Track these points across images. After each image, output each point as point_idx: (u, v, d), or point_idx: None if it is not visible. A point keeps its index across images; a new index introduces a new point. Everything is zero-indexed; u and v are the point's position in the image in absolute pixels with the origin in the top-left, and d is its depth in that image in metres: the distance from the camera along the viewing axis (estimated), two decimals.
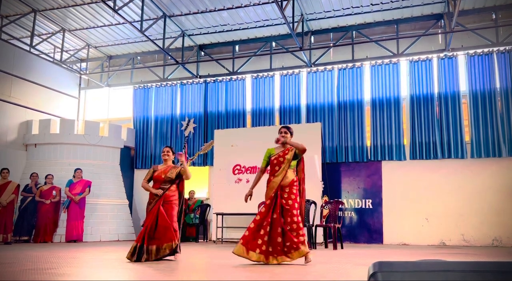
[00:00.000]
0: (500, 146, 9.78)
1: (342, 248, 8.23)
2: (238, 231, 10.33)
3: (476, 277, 1.52)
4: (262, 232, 4.76)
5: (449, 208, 9.90)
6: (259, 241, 4.72)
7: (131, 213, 11.84)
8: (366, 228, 10.43)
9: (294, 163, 5.02)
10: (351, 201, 10.62)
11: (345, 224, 10.47)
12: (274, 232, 4.73)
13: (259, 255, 4.69)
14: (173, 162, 5.70)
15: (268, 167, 5.16)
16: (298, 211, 4.85)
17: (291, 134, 5.11)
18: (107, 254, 6.52)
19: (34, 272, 4.00)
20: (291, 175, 4.95)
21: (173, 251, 5.20)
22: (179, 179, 5.54)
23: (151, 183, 5.54)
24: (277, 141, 5.09)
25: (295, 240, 4.66)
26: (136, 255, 5.02)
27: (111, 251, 7.24)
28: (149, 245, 5.10)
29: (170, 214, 5.28)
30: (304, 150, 4.95)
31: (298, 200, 4.89)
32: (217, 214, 10.21)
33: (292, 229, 4.73)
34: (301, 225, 4.78)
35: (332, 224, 8.23)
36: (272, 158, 5.06)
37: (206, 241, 10.97)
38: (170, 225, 5.20)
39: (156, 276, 3.95)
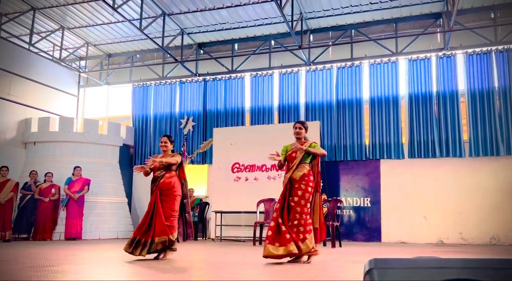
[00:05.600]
0: (498, 144, 9.80)
1: (340, 246, 8.26)
2: (237, 229, 10.36)
3: (471, 274, 1.54)
4: (274, 226, 4.76)
5: (447, 206, 9.93)
6: (269, 233, 4.73)
7: (130, 211, 11.86)
8: (365, 226, 10.46)
9: (308, 158, 5.01)
10: (350, 199, 10.65)
11: (343, 222, 10.49)
12: (283, 226, 4.72)
13: (270, 245, 4.64)
14: (172, 151, 5.61)
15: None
16: (306, 208, 4.77)
17: (306, 129, 5.14)
18: (106, 252, 6.54)
19: (33, 269, 4.02)
20: (303, 169, 4.91)
21: (167, 247, 5.05)
22: (177, 166, 5.43)
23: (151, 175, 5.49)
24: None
25: (294, 237, 4.66)
26: (133, 247, 4.97)
27: (110, 249, 7.26)
28: (144, 238, 5.01)
29: (168, 208, 5.15)
30: (324, 156, 5.11)
31: (306, 196, 4.81)
32: (216, 212, 10.23)
33: (292, 226, 4.72)
34: (305, 222, 4.71)
35: (330, 222, 8.26)
36: (287, 154, 5.08)
37: (205, 239, 11.00)
38: (164, 219, 5.05)
39: (154, 274, 3.96)
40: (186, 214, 5.51)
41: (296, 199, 4.81)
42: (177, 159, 5.39)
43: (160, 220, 5.04)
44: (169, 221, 5.12)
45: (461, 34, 10.40)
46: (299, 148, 4.92)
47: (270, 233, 4.73)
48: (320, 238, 4.95)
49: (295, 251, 4.60)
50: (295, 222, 4.73)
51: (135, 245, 5.00)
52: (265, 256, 4.68)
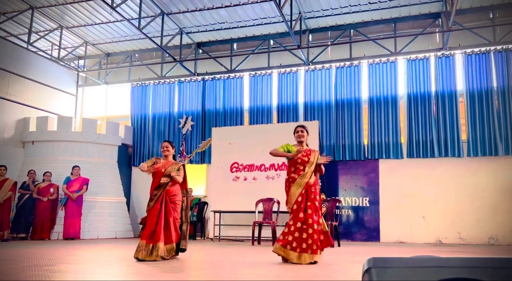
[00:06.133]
0: (497, 144, 9.82)
1: (339, 246, 8.26)
2: (235, 229, 10.36)
3: (469, 273, 1.54)
4: (293, 229, 4.78)
5: (446, 206, 9.94)
6: (289, 238, 4.73)
7: (128, 210, 11.85)
8: (363, 226, 10.46)
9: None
10: (348, 199, 10.65)
11: (342, 222, 10.50)
12: (305, 229, 4.73)
13: (290, 251, 4.69)
14: (174, 157, 5.64)
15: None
16: (321, 211, 4.98)
17: (307, 133, 5.21)
18: (104, 252, 6.53)
19: (32, 269, 4.01)
20: (315, 174, 5.05)
21: (177, 251, 5.27)
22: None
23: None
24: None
25: (318, 241, 4.70)
26: (144, 254, 4.95)
27: (109, 248, 7.25)
28: (155, 243, 5.03)
29: (173, 214, 5.27)
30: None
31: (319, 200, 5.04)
32: (215, 212, 10.22)
33: (320, 231, 4.80)
34: (321, 228, 4.85)
35: (329, 222, 8.27)
36: (298, 156, 5.05)
37: (204, 239, 10.99)
38: (172, 225, 5.19)
39: (154, 274, 3.96)
40: (187, 224, 5.58)
41: (317, 203, 4.92)
42: (182, 178, 5.43)
43: (175, 226, 5.25)
44: (176, 225, 5.31)
45: (460, 34, 10.41)
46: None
47: (291, 237, 4.72)
48: (331, 242, 5.01)
49: (316, 259, 4.68)
50: (321, 228, 4.86)
51: (149, 251, 4.99)
52: (278, 254, 4.80)
